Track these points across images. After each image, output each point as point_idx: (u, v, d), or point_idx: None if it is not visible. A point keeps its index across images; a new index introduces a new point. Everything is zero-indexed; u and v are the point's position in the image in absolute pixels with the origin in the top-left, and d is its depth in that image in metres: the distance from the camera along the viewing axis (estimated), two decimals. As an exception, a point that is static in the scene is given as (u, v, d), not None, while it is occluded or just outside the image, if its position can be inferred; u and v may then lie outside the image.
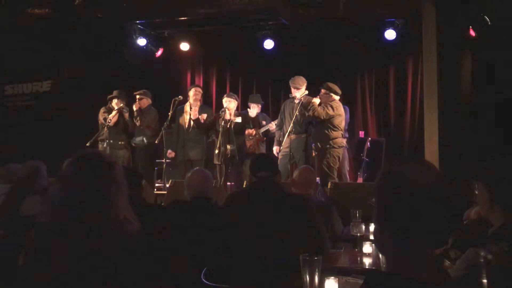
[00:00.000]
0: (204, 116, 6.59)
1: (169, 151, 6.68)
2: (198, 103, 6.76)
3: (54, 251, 1.57)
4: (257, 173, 2.77)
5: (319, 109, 5.90)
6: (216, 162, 6.39)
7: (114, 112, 6.80)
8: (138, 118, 6.94)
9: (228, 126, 6.32)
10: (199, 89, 6.84)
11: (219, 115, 6.37)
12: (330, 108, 5.93)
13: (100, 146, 6.80)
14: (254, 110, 6.91)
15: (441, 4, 5.73)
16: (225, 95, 6.70)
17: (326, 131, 5.96)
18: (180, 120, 6.77)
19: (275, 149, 6.52)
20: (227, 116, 6.34)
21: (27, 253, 1.62)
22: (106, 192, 1.64)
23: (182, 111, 6.79)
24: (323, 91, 6.14)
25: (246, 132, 6.71)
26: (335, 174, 6.05)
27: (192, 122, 6.64)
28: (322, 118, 5.90)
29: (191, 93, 6.76)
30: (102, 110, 6.97)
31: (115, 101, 6.90)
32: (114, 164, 1.74)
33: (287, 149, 6.16)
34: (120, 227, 1.63)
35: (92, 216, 1.60)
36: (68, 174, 1.68)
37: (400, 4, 6.66)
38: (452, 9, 5.71)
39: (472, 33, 6.07)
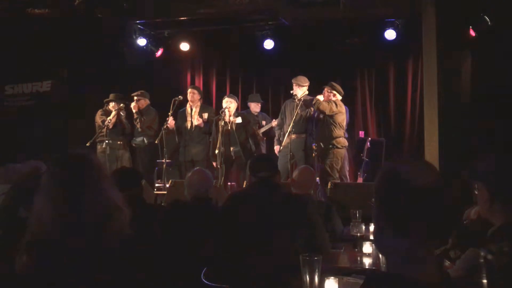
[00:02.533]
0: (205, 115, 6.60)
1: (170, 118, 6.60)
2: (198, 104, 6.76)
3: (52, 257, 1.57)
4: (257, 173, 2.77)
5: (324, 103, 5.95)
6: (213, 161, 6.39)
7: (113, 113, 6.79)
8: (138, 120, 6.95)
9: (229, 127, 6.32)
10: (194, 90, 6.82)
11: (219, 117, 6.36)
12: (334, 104, 5.97)
13: (99, 147, 6.79)
14: (256, 108, 7.06)
15: (441, 4, 5.73)
16: (225, 96, 6.70)
17: (328, 130, 5.98)
18: (181, 122, 6.78)
19: (276, 148, 6.52)
20: (227, 118, 6.33)
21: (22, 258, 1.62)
22: (83, 189, 1.63)
23: (183, 113, 6.82)
24: (326, 89, 6.16)
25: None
26: (337, 175, 6.06)
27: (194, 124, 6.65)
28: (326, 113, 5.94)
29: (188, 94, 6.79)
30: (99, 112, 6.96)
31: (111, 104, 6.89)
32: (84, 160, 1.72)
33: (287, 149, 6.16)
34: (110, 220, 1.62)
35: (79, 215, 1.59)
36: (43, 186, 1.68)
37: (400, 4, 6.66)
38: (452, 9, 5.71)
39: (472, 33, 6.07)
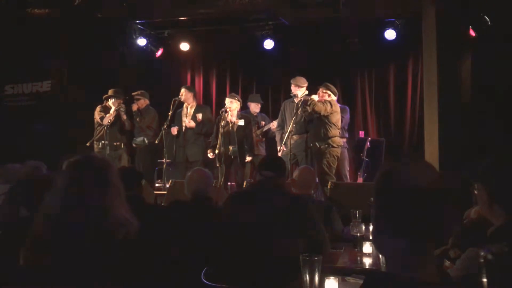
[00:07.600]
0: (199, 116, 6.60)
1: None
2: (193, 104, 6.77)
3: (54, 254, 1.57)
4: (263, 171, 2.77)
5: (319, 104, 5.94)
6: (211, 158, 6.40)
7: (111, 112, 6.75)
8: (138, 120, 6.95)
9: (230, 128, 6.32)
10: (185, 90, 6.80)
11: (220, 116, 6.34)
12: (329, 104, 5.97)
13: (95, 146, 6.77)
14: (256, 108, 7.12)
15: (441, 4, 5.73)
16: (228, 95, 6.69)
17: (324, 130, 5.97)
18: (178, 122, 6.79)
19: (279, 148, 6.50)
20: (229, 117, 6.32)
21: (27, 254, 1.62)
22: (101, 196, 1.63)
23: (180, 114, 6.85)
24: (321, 89, 6.17)
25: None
26: (333, 173, 6.06)
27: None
28: (321, 113, 5.93)
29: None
30: (98, 108, 6.89)
31: (111, 100, 6.84)
32: (107, 167, 1.72)
33: (288, 149, 6.16)
34: (119, 228, 1.63)
35: (89, 220, 1.59)
36: (60, 182, 1.67)
37: (400, 4, 6.66)
38: (452, 9, 5.71)
39: (472, 33, 6.07)
